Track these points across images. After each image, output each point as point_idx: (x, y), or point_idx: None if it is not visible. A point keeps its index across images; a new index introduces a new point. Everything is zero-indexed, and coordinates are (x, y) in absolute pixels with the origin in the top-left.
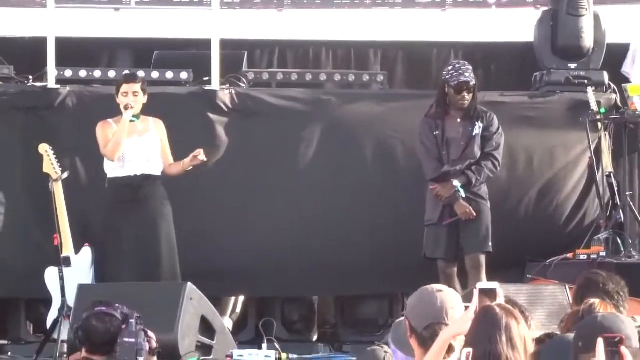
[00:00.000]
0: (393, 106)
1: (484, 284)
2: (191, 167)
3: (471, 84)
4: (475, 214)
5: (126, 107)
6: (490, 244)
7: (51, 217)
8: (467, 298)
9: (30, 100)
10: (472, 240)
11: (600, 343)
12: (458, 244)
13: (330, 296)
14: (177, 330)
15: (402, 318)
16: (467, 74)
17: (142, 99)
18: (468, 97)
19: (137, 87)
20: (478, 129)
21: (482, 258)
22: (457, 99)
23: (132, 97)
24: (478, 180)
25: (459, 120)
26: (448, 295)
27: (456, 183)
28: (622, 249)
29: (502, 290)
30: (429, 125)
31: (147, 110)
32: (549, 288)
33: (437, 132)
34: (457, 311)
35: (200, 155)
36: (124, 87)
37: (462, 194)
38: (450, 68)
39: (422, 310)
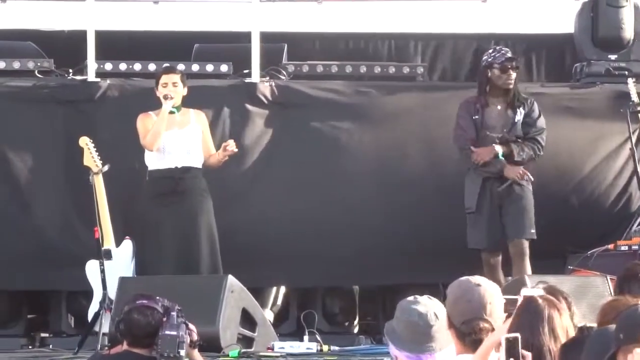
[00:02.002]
0: (433, 98)
1: (529, 290)
2: (226, 158)
3: (515, 62)
4: (529, 175)
5: (165, 97)
6: (533, 231)
7: (92, 210)
8: (511, 287)
9: (70, 93)
10: (515, 226)
11: None
12: (501, 233)
13: (370, 285)
14: (218, 323)
15: (391, 322)
16: (509, 54)
17: (182, 90)
18: (514, 75)
19: (176, 77)
20: (520, 114)
21: (526, 244)
22: (503, 79)
23: (172, 87)
24: (520, 154)
25: (499, 107)
26: (487, 290)
27: (497, 148)
28: None
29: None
30: (467, 108)
31: (187, 103)
32: (590, 279)
33: (476, 117)
34: (496, 305)
35: (230, 145)
36: (164, 78)
37: (502, 158)
38: (490, 51)
39: (460, 305)
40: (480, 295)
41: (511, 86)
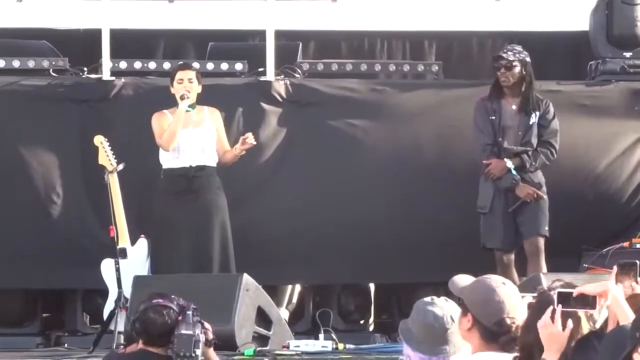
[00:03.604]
0: (448, 96)
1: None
2: (243, 152)
3: (507, 58)
4: (540, 194)
5: (182, 97)
6: (546, 228)
7: (107, 209)
8: (526, 285)
9: (85, 92)
10: (530, 223)
11: None
12: (515, 232)
13: (386, 283)
14: (234, 322)
15: (406, 321)
16: (508, 53)
17: (197, 87)
18: (508, 74)
19: (192, 73)
20: (535, 117)
21: (541, 242)
22: (498, 77)
23: (187, 83)
24: (532, 165)
25: (513, 107)
26: (512, 288)
27: (509, 164)
28: None
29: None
30: (485, 108)
31: (202, 101)
32: (606, 277)
33: (493, 117)
34: (517, 301)
35: (249, 138)
36: (179, 74)
37: (514, 174)
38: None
39: (489, 306)
40: (509, 294)
41: (506, 84)
